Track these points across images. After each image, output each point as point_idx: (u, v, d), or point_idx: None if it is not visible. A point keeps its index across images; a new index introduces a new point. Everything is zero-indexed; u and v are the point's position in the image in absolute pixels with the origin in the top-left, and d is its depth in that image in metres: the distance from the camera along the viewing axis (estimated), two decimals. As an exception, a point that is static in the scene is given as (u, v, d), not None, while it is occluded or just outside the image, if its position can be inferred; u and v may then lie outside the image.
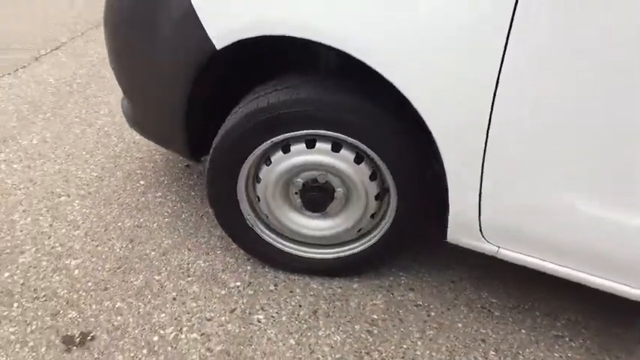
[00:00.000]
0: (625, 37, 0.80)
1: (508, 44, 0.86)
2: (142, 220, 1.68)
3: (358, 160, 1.20)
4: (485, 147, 0.98)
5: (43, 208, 1.73)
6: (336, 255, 1.41)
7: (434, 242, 1.45)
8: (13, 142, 2.12)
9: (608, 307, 1.37)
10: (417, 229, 1.30)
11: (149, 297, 1.39)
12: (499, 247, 1.17)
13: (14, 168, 1.95)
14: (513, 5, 0.83)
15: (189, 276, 1.46)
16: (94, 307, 1.36)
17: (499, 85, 0.90)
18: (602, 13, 0.79)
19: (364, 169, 1.21)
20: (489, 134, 0.96)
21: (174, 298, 1.39)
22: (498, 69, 0.88)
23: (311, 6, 0.98)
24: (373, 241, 1.36)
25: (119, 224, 1.66)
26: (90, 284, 1.44)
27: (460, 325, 1.34)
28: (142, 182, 1.87)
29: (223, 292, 1.41)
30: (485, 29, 0.87)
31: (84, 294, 1.40)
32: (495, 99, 0.91)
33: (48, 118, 2.30)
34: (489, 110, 0.93)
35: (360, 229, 1.35)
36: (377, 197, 1.26)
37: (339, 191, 1.28)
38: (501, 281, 1.48)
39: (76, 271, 1.48)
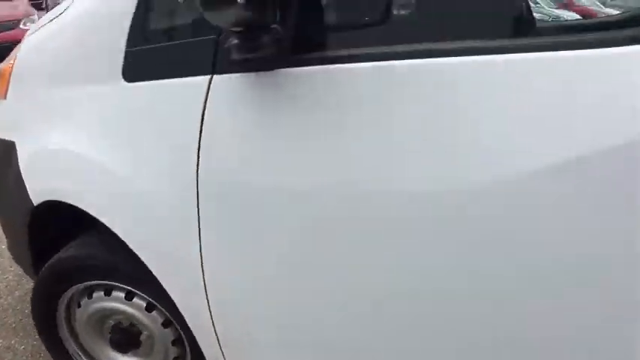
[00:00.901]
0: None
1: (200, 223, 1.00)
2: (13, 341, 1.82)
3: (150, 308, 1.32)
4: (208, 305, 1.08)
5: (-64, 325, 1.90)
6: (154, 393, 1.47)
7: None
8: (-54, 257, 2.37)
9: None
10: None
11: None
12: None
13: None
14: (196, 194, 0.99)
15: (24, 404, 1.55)
16: None
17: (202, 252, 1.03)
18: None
19: (156, 316, 1.32)
20: (208, 296, 1.07)
21: None
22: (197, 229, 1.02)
23: (61, 181, 1.20)
24: (183, 382, 1.42)
25: (-9, 345, 1.80)
26: None
27: None
28: (34, 302, 2.03)
29: (47, 423, 1.49)
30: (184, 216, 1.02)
31: None
32: (203, 265, 1.04)
33: (-13, 234, 2.57)
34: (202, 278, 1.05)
35: (170, 371, 1.42)
36: (174, 343, 1.35)
37: (145, 334, 1.38)
38: None
39: None
